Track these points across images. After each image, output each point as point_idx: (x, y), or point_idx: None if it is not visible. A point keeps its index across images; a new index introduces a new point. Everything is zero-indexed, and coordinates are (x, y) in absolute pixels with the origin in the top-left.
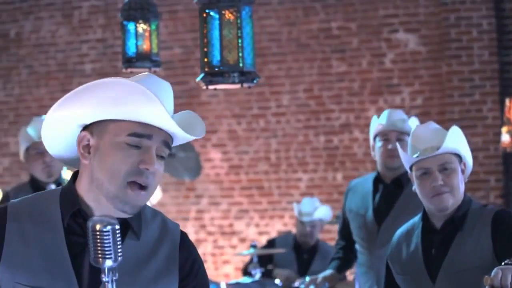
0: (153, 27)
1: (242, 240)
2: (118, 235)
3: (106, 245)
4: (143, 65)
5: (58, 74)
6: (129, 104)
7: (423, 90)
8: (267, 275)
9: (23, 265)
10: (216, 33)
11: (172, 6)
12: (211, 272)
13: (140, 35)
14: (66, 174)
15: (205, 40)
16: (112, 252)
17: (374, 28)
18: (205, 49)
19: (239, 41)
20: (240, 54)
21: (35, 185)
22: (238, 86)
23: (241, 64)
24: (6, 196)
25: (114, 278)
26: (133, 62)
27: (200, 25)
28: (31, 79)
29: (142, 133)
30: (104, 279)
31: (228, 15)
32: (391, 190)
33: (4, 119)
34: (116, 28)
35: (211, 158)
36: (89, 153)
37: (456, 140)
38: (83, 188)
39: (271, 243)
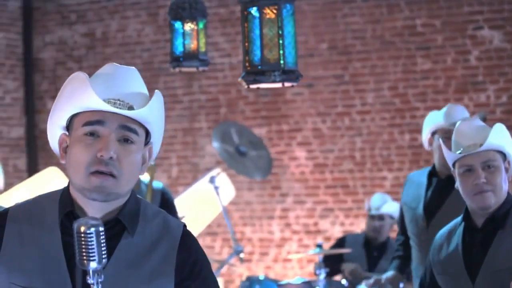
0: (201, 26)
1: (327, 239)
2: (102, 237)
3: (90, 247)
4: (190, 64)
5: (144, 73)
6: (74, 96)
7: (508, 88)
8: (334, 274)
9: (18, 266)
10: (256, 32)
11: None
12: (296, 271)
13: (188, 34)
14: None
15: (246, 39)
16: (96, 254)
17: (458, 25)
18: (246, 48)
19: (280, 39)
20: (281, 53)
21: None
22: (279, 85)
23: (282, 63)
24: None
25: (99, 280)
26: (180, 61)
27: (242, 23)
28: None
29: (92, 120)
30: (89, 281)
31: (269, 13)
32: (444, 185)
33: None
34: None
35: (296, 157)
36: (66, 153)
37: (500, 137)
38: (71, 188)
39: (340, 242)
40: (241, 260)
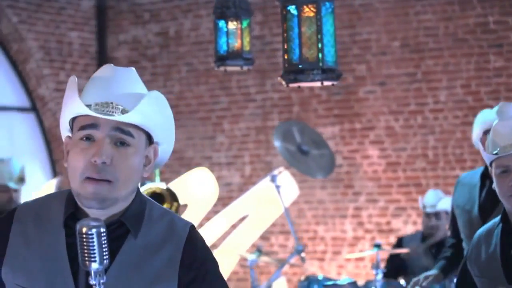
0: (244, 24)
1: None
2: (103, 238)
3: (91, 248)
4: (235, 63)
5: (217, 71)
6: (66, 101)
7: None
8: (392, 275)
9: (22, 267)
10: (295, 30)
11: None
12: (368, 270)
13: (232, 33)
14: None
15: (285, 37)
16: (96, 255)
17: None
18: (285, 46)
19: (319, 37)
20: (320, 51)
21: None
22: (318, 83)
23: (320, 62)
24: None
25: (101, 281)
26: (224, 60)
27: (281, 21)
28: (191, 76)
29: (86, 124)
30: (91, 282)
31: (308, 11)
32: None
33: None
34: (274, 25)
35: (369, 155)
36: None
37: None
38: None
39: (399, 242)
40: (303, 260)
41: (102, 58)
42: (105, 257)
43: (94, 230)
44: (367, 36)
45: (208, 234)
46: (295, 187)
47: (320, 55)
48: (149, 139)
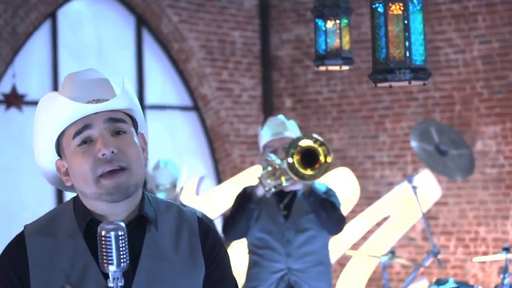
0: (344, 23)
1: None
2: (122, 242)
3: (109, 250)
4: (334, 62)
5: None
6: (52, 114)
7: None
8: None
9: (49, 283)
10: (382, 28)
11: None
12: None
13: (331, 32)
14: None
15: (373, 35)
16: (114, 258)
17: None
18: (373, 45)
19: (406, 36)
20: (408, 50)
21: None
22: (406, 83)
23: (408, 61)
24: None
25: (119, 284)
26: (323, 59)
27: (371, 20)
28: (353, 75)
29: (79, 129)
30: (109, 285)
31: (395, 9)
32: None
33: (327, 115)
34: (436, 23)
35: None
36: (68, 175)
37: None
38: (84, 202)
39: None
40: (439, 263)
41: (266, 57)
42: (122, 260)
43: (112, 233)
44: None
45: (349, 234)
46: (437, 188)
47: (407, 54)
48: (135, 127)
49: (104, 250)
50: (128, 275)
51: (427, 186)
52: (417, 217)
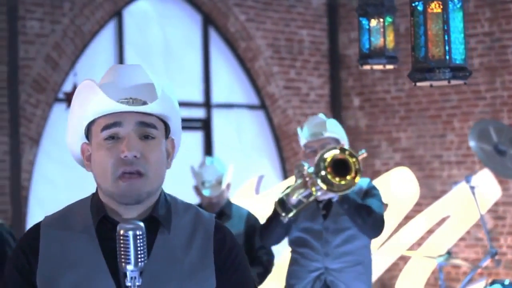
0: (387, 22)
1: None
2: (140, 241)
3: (127, 249)
4: (378, 61)
5: None
6: (87, 103)
7: None
8: None
9: (60, 275)
10: (422, 27)
11: None
12: None
13: (374, 31)
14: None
15: (413, 34)
16: (131, 257)
17: None
18: (413, 44)
19: (446, 35)
20: (447, 49)
21: None
22: (445, 82)
23: (447, 60)
24: None
25: (136, 283)
26: (367, 58)
27: (410, 18)
28: None
29: (109, 123)
30: (126, 284)
31: (434, 7)
32: None
33: (395, 114)
34: (504, 22)
35: None
36: (90, 161)
37: None
38: (100, 195)
39: None
40: (497, 263)
41: (334, 55)
42: (140, 260)
43: (130, 233)
44: None
45: (408, 234)
46: (497, 188)
47: (447, 53)
48: (165, 132)
49: (122, 249)
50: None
51: (486, 186)
52: (477, 217)
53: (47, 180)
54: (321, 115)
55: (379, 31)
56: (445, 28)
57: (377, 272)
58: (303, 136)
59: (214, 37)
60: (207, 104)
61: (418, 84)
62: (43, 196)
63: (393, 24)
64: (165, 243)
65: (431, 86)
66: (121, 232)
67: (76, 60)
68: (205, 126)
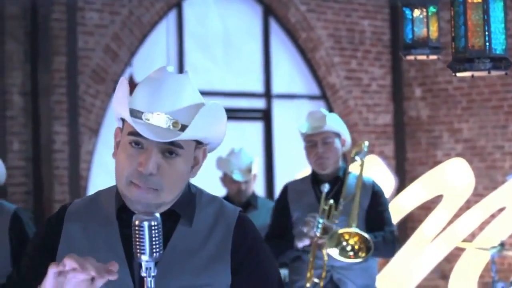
0: (431, 12)
1: None
2: (155, 232)
3: (142, 240)
4: (421, 52)
5: None
6: (117, 103)
7: None
8: None
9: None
10: (461, 17)
11: None
12: None
13: (418, 21)
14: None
15: (453, 24)
16: (146, 247)
17: None
18: (453, 34)
19: (486, 25)
20: (487, 39)
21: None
22: (485, 73)
23: (487, 50)
24: None
25: (152, 274)
26: (410, 48)
27: (450, 8)
28: None
29: (135, 131)
30: (142, 274)
31: None
32: None
33: (457, 104)
34: None
35: None
36: (117, 148)
37: None
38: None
39: None
40: None
41: (395, 46)
42: (155, 251)
43: (145, 223)
44: None
45: (464, 225)
46: None
47: (487, 43)
48: (199, 141)
49: (137, 239)
50: None
51: None
52: None
53: (106, 170)
54: (322, 109)
55: (422, 21)
56: (485, 18)
57: (432, 262)
58: (304, 129)
59: (274, 27)
60: (268, 95)
61: (458, 74)
62: (102, 185)
63: (437, 14)
64: (185, 234)
65: (472, 76)
66: (136, 222)
67: (135, 50)
68: (266, 116)
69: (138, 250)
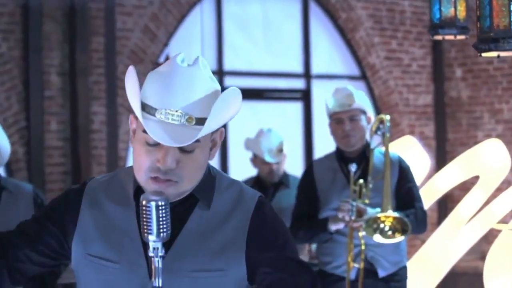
0: None
1: None
2: (162, 212)
3: (149, 220)
4: (449, 32)
5: None
6: (130, 97)
7: None
8: None
9: (95, 238)
10: None
11: None
12: None
13: (445, 1)
14: None
15: (478, 4)
16: (153, 227)
17: None
18: (478, 14)
19: (510, 4)
20: None
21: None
22: (510, 53)
23: None
24: None
25: (160, 254)
26: (437, 28)
27: None
28: None
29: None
30: (149, 254)
31: None
32: None
33: (498, 85)
34: None
35: None
36: (133, 136)
37: None
38: None
39: None
40: None
41: None
42: (162, 231)
43: (153, 203)
44: None
45: (499, 207)
46: None
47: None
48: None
49: (145, 219)
50: (165, 247)
51: None
52: None
53: None
54: (349, 86)
55: (450, 1)
56: None
57: (469, 243)
58: (330, 106)
59: (314, 8)
60: (307, 75)
61: (483, 54)
62: None
63: None
64: (201, 217)
65: (498, 56)
66: (144, 202)
67: (174, 31)
68: (305, 97)
69: (145, 230)
